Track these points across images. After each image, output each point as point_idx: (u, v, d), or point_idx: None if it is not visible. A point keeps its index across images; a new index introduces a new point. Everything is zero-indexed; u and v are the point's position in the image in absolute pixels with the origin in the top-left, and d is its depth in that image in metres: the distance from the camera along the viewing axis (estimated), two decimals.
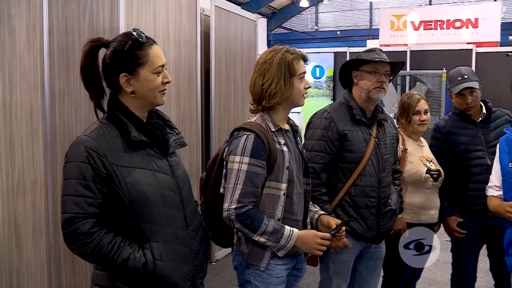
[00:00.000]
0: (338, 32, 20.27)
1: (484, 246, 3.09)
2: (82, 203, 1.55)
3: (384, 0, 18.50)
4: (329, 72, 9.75)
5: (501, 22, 12.23)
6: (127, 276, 1.61)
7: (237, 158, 1.94)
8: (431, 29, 12.37)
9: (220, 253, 4.71)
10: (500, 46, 10.91)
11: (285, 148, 2.03)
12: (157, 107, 1.78)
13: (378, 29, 13.85)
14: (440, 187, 2.92)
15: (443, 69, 7.96)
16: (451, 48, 9.09)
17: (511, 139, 2.42)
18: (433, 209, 2.91)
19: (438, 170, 2.89)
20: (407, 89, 8.19)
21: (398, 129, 2.86)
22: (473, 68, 7.33)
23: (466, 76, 2.95)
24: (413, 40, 12.20)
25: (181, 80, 4.14)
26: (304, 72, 2.07)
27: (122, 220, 1.61)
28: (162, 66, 1.68)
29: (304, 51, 2.11)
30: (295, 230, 1.99)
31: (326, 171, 2.47)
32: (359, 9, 20.39)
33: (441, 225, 3.07)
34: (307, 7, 20.42)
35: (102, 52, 1.67)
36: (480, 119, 3.00)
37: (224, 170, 2.02)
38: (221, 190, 2.03)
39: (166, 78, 1.69)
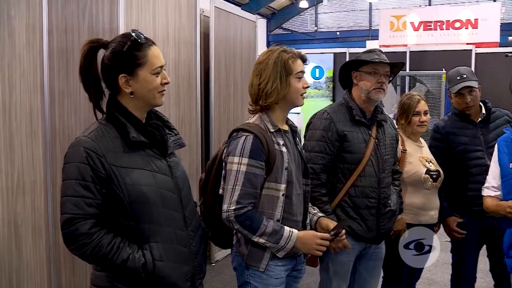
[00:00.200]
0: (338, 33, 20.30)
1: (484, 247, 3.09)
2: (82, 204, 1.55)
3: (384, 1, 18.52)
4: (328, 72, 9.74)
5: (501, 23, 12.24)
6: (126, 277, 1.61)
7: (236, 159, 1.94)
8: (430, 29, 12.39)
9: (220, 254, 4.70)
10: (499, 46, 10.90)
11: (284, 149, 2.02)
12: (157, 108, 1.78)
13: (378, 29, 13.88)
14: (439, 187, 2.92)
15: (442, 70, 7.95)
16: (451, 49, 9.09)
17: (511, 139, 2.41)
18: (432, 210, 2.91)
19: (437, 171, 2.89)
20: (406, 90, 8.18)
21: (398, 130, 2.86)
22: (473, 68, 7.32)
23: (465, 76, 2.95)
24: (413, 40, 12.22)
25: (181, 81, 4.14)
26: (302, 72, 2.06)
27: (122, 221, 1.61)
28: (161, 67, 1.68)
29: (303, 51, 2.11)
30: (295, 231, 1.99)
31: (326, 171, 2.47)
32: (359, 10, 20.40)
33: (441, 225, 3.07)
34: (307, 8, 20.41)
35: (101, 53, 1.67)
36: (480, 119, 3.00)
37: (223, 171, 2.02)
38: (220, 191, 2.03)
39: (165, 79, 1.69)
